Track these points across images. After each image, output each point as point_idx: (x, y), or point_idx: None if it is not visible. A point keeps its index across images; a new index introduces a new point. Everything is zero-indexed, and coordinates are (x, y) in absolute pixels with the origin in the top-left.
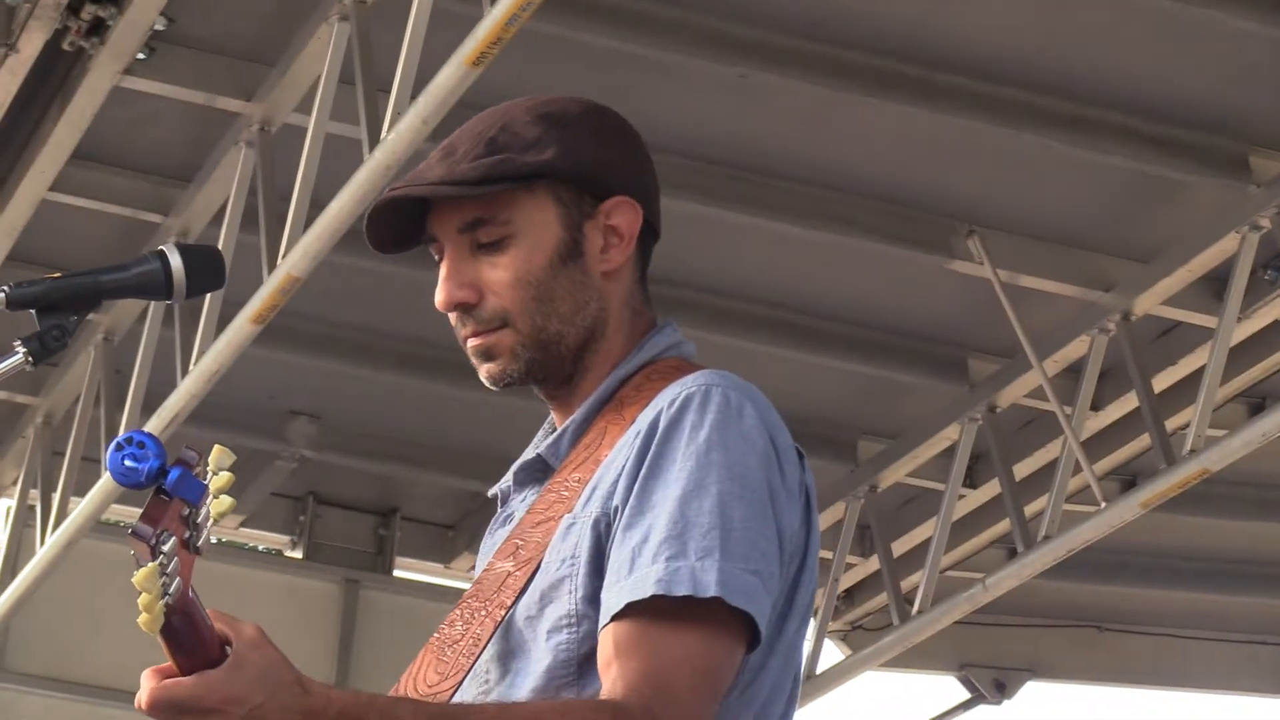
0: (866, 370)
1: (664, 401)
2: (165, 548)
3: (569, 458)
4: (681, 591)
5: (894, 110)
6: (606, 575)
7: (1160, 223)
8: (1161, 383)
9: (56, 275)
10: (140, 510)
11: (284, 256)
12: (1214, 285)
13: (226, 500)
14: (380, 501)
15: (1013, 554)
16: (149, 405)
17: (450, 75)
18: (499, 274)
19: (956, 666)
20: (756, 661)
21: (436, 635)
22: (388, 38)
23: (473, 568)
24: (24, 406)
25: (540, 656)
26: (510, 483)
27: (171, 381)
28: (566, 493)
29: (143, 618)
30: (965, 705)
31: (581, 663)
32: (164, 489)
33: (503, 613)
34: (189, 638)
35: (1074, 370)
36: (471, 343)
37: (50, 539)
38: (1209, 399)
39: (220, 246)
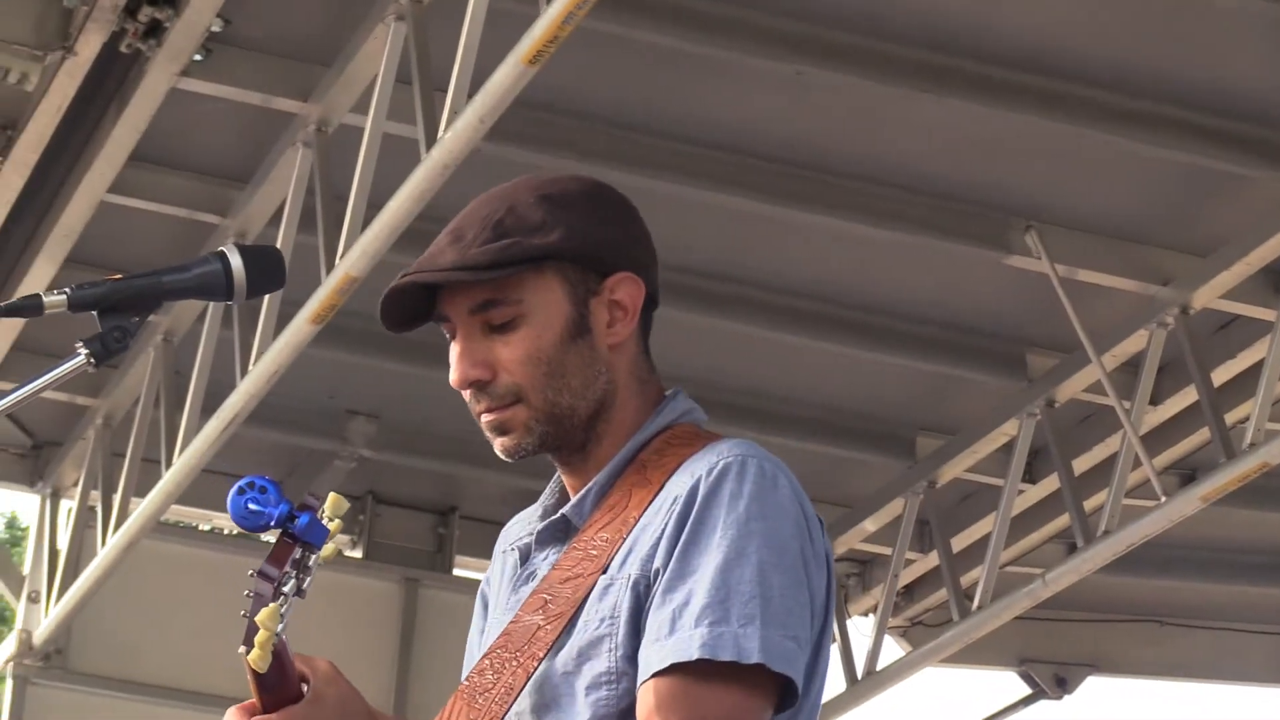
0: (924, 366)
1: (701, 469)
2: (286, 589)
3: (592, 518)
4: (726, 657)
5: (951, 106)
6: (646, 634)
7: (1218, 216)
8: (1220, 376)
9: (118, 277)
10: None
11: (342, 256)
12: (1273, 278)
13: (330, 547)
14: (439, 500)
15: (1072, 549)
16: (208, 406)
17: (507, 74)
18: (511, 352)
19: (1017, 662)
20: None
21: (466, 683)
22: (444, 37)
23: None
24: (84, 408)
25: (579, 711)
26: (530, 541)
27: (231, 382)
28: (595, 551)
29: (254, 654)
30: (1026, 701)
31: (619, 717)
32: (291, 533)
33: (535, 664)
34: (275, 675)
35: (1133, 364)
36: (486, 418)
37: (111, 540)
38: (1268, 392)
39: (278, 247)
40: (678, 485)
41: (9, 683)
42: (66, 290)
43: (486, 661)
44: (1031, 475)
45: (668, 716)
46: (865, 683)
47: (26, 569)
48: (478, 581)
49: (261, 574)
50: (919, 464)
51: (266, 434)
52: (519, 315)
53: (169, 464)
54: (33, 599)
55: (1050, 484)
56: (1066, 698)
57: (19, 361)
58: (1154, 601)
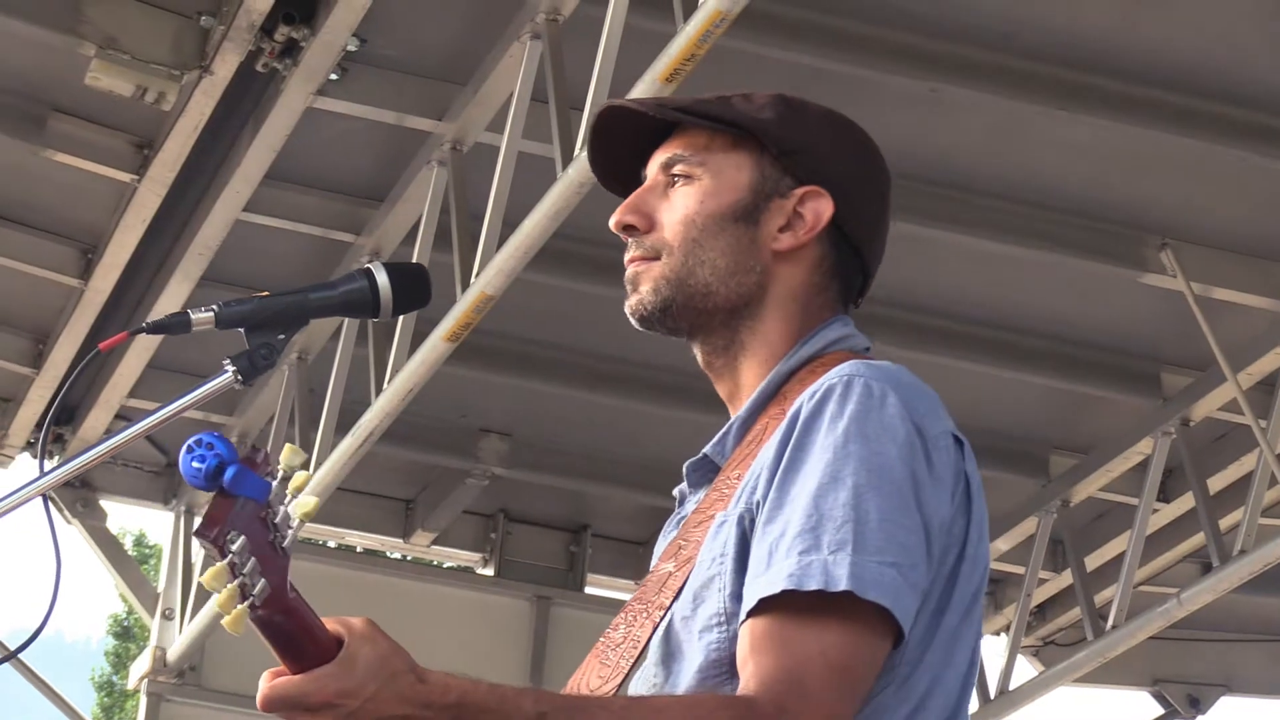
0: (1058, 384)
1: (806, 394)
2: (234, 547)
3: (733, 455)
4: (813, 586)
5: (1087, 123)
6: (748, 570)
7: None
8: None
9: (264, 294)
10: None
11: (477, 275)
12: None
13: (310, 500)
14: (571, 518)
15: (1207, 568)
16: (343, 424)
17: (644, 92)
18: (671, 208)
19: (1150, 682)
20: (912, 655)
21: (601, 640)
22: (580, 55)
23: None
24: (219, 426)
25: (694, 656)
26: (685, 486)
27: (365, 400)
28: (727, 490)
29: (226, 620)
30: None
31: (733, 661)
32: (223, 488)
33: (661, 614)
34: (299, 640)
35: (1268, 383)
36: (628, 270)
37: None
38: None
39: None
40: (790, 413)
41: (143, 700)
42: (214, 307)
43: (621, 616)
44: (1166, 494)
45: (760, 659)
46: (998, 702)
47: (160, 586)
48: (609, 599)
49: (197, 533)
50: (1052, 483)
51: (399, 452)
52: (694, 175)
53: None
54: (167, 616)
55: (1185, 503)
56: (1200, 718)
57: (153, 380)
58: None
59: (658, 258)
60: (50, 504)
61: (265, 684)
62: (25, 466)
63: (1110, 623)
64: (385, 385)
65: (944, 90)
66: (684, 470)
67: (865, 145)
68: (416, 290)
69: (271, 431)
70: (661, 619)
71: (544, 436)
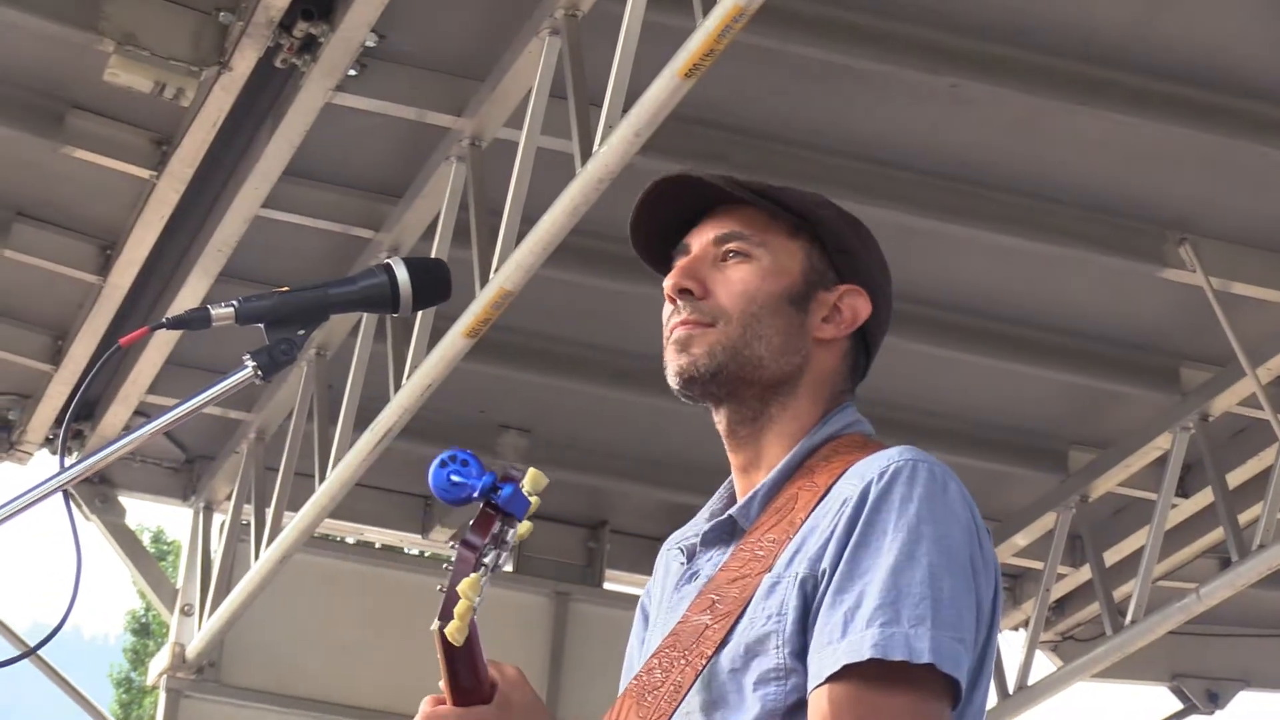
0: (1077, 380)
1: (872, 473)
2: (487, 560)
3: (759, 520)
4: (897, 657)
5: (1106, 118)
6: (816, 636)
7: None
8: None
9: (284, 290)
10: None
11: (496, 270)
12: None
13: (526, 524)
14: (590, 514)
15: (1226, 563)
16: (361, 420)
17: (662, 87)
18: (731, 280)
19: (1169, 677)
20: None
21: (635, 681)
22: (599, 51)
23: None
24: (237, 422)
25: (748, 707)
26: (696, 541)
27: (384, 396)
28: (762, 552)
29: (453, 625)
30: (1178, 716)
31: (785, 713)
32: (494, 504)
33: (703, 662)
34: (466, 664)
35: None
36: (678, 331)
37: (264, 554)
38: None
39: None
40: (846, 488)
41: (162, 696)
42: (234, 303)
43: (655, 661)
44: (1185, 489)
45: None
46: (1016, 697)
47: (179, 583)
48: (628, 595)
49: (465, 543)
50: (1071, 478)
51: (418, 448)
52: (754, 256)
53: (322, 478)
54: (186, 612)
55: (1204, 498)
56: (1218, 713)
57: (172, 376)
58: None
59: (713, 324)
60: (70, 500)
61: (427, 708)
62: (44, 463)
63: (1129, 618)
64: (404, 381)
65: (963, 86)
66: (700, 533)
67: (881, 253)
68: (436, 285)
69: (290, 427)
70: (704, 667)
71: (563, 432)
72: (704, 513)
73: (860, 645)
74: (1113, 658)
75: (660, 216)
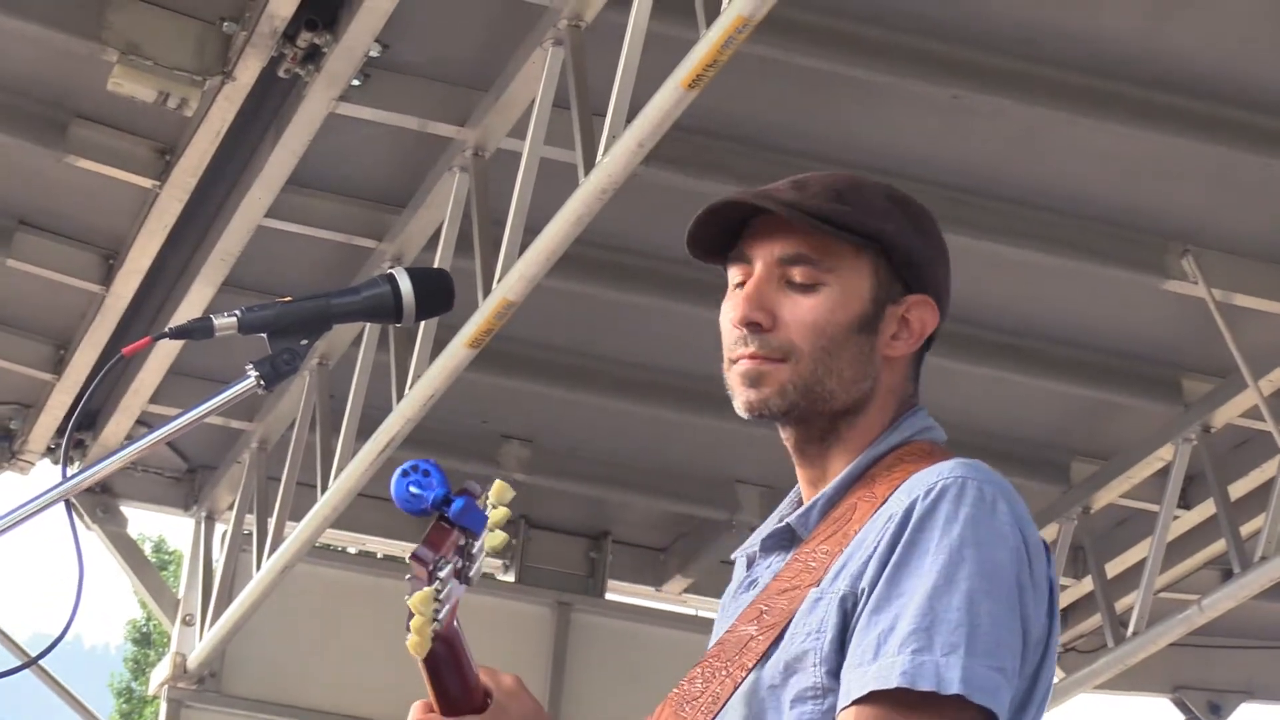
0: (1080, 391)
1: (919, 489)
2: (442, 574)
3: (817, 530)
4: (925, 686)
5: (1108, 130)
6: (849, 655)
7: None
8: None
9: (287, 299)
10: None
11: (499, 281)
12: None
13: (501, 535)
14: (592, 525)
15: (1228, 575)
16: (364, 430)
17: (666, 98)
18: (801, 312)
19: (1170, 689)
20: None
21: (676, 690)
22: (602, 61)
23: (685, 590)
24: (239, 432)
25: None
26: (756, 548)
27: (386, 406)
28: (814, 564)
29: (411, 639)
30: None
31: None
32: (447, 517)
33: (743, 674)
34: (451, 673)
35: None
36: (746, 365)
37: (266, 564)
38: None
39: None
40: (896, 503)
41: (163, 706)
42: (237, 313)
43: (698, 669)
44: (1187, 501)
45: None
46: None
47: (181, 592)
48: (630, 606)
49: (415, 557)
50: (1073, 489)
51: (420, 458)
52: (823, 284)
53: (324, 488)
54: (187, 622)
55: (1206, 509)
56: None
57: (174, 386)
58: None
59: (784, 360)
60: (72, 510)
61: (416, 715)
62: (46, 472)
63: (1131, 629)
64: (406, 391)
65: (966, 97)
66: (759, 539)
67: (943, 239)
68: (439, 295)
69: (292, 438)
70: (744, 680)
71: (565, 443)
72: (774, 516)
73: (890, 672)
74: (1114, 669)
75: (717, 218)
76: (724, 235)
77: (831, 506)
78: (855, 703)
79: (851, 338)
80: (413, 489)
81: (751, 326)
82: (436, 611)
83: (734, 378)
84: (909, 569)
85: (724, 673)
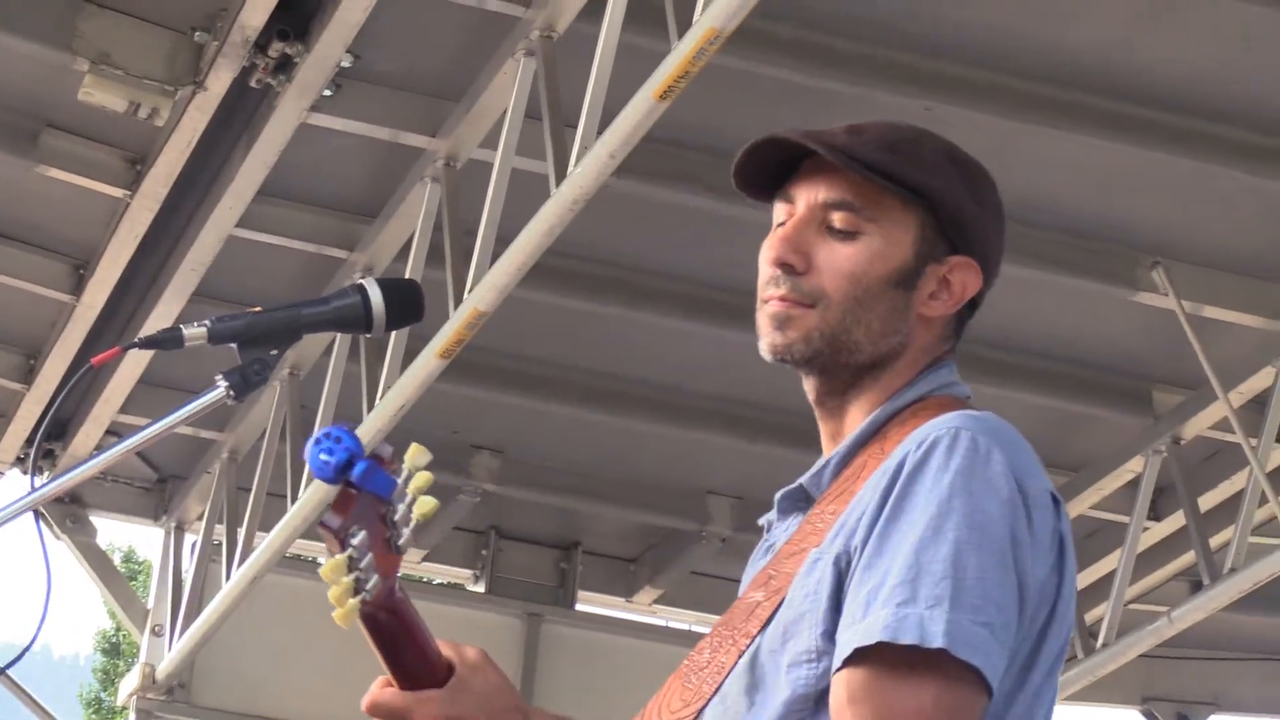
0: (1050, 402)
1: (912, 443)
2: (355, 541)
3: (829, 489)
4: (908, 640)
5: (1080, 142)
6: (843, 615)
7: None
8: None
9: (257, 310)
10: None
11: (470, 291)
12: None
13: (430, 501)
14: (562, 535)
15: (1198, 587)
16: None
17: (637, 109)
18: (837, 260)
19: (1139, 700)
20: (996, 710)
21: (686, 661)
22: (574, 72)
23: (656, 600)
24: (210, 442)
25: (780, 689)
26: (775, 512)
27: (357, 416)
28: (820, 525)
29: (336, 612)
30: None
31: (818, 698)
32: (351, 482)
33: (747, 642)
34: (404, 646)
35: (1259, 402)
36: (775, 306)
37: (236, 574)
38: None
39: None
40: (892, 458)
41: (133, 716)
42: (207, 323)
43: (707, 640)
44: (1157, 512)
45: (857, 710)
46: None
47: (150, 603)
48: (600, 616)
49: (322, 524)
50: None
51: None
52: (863, 231)
53: (294, 498)
54: (156, 633)
55: (1176, 521)
56: None
57: (144, 396)
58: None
59: (813, 305)
60: (40, 519)
61: (375, 689)
62: (15, 482)
63: (1100, 640)
64: (377, 402)
65: (938, 109)
66: (775, 499)
67: (1002, 209)
68: (409, 306)
69: (263, 448)
70: (748, 647)
71: (536, 453)
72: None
73: (873, 626)
74: (1084, 680)
75: (767, 154)
76: (775, 172)
77: (844, 465)
78: (845, 663)
79: (887, 291)
80: (323, 455)
81: (785, 268)
82: (361, 581)
83: (762, 319)
84: (898, 523)
85: (730, 641)
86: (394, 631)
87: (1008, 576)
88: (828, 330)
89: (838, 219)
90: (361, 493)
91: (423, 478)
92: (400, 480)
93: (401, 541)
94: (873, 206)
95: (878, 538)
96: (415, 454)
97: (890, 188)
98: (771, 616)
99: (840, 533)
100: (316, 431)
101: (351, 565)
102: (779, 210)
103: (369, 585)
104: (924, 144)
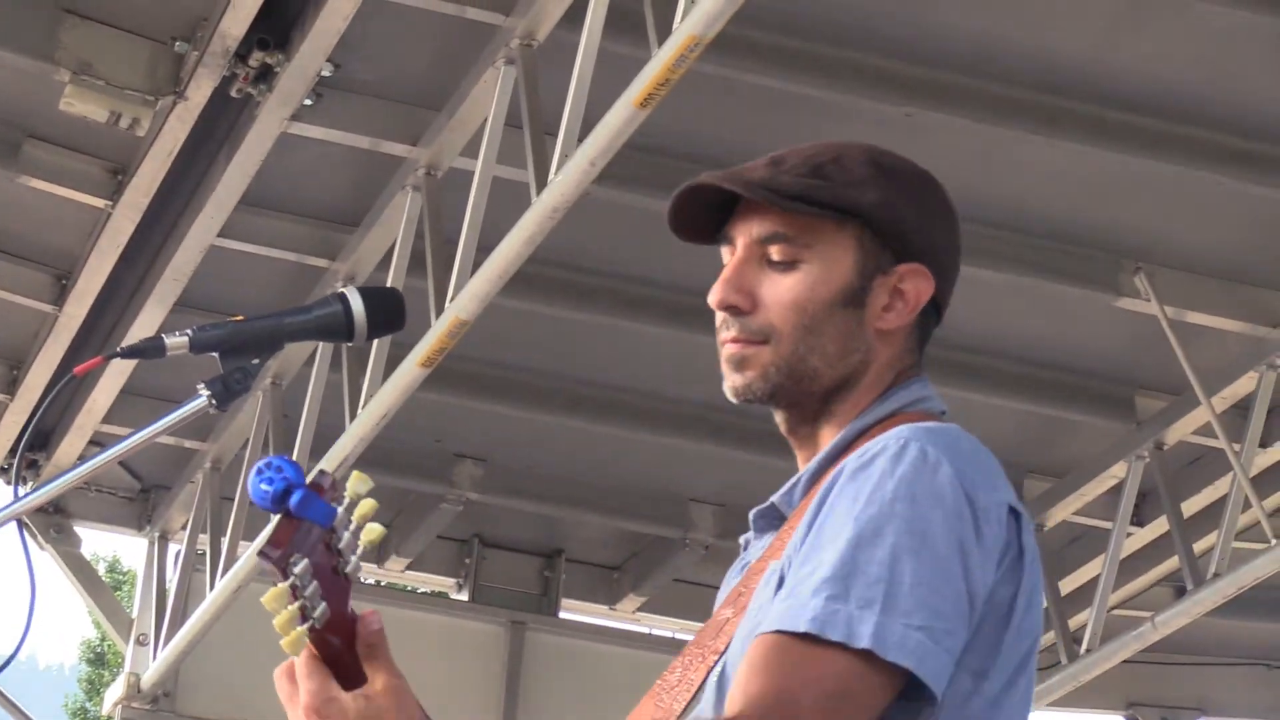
0: (1033, 408)
1: (857, 451)
2: (297, 569)
3: (799, 506)
4: (834, 637)
5: (1061, 147)
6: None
7: None
8: None
9: (239, 319)
10: None
11: (451, 300)
12: None
13: (377, 528)
14: (545, 543)
15: (1181, 592)
16: (317, 449)
17: (618, 117)
18: (779, 292)
19: (1124, 706)
20: (951, 716)
21: (659, 681)
22: (554, 80)
23: (639, 608)
24: (193, 451)
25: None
26: (751, 530)
27: (340, 425)
28: (784, 540)
29: (284, 640)
30: None
31: None
32: (289, 511)
33: (715, 658)
34: (355, 667)
35: (1242, 407)
36: (729, 349)
37: (219, 583)
38: None
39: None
40: (842, 463)
41: None
42: (189, 332)
43: (678, 660)
44: (1140, 518)
45: (754, 677)
46: None
47: (135, 612)
48: (584, 624)
49: (261, 554)
50: (1027, 506)
51: (374, 477)
52: (801, 260)
53: None
54: (140, 642)
55: (1159, 526)
56: None
57: (127, 405)
58: (1263, 645)
59: (765, 341)
60: (24, 529)
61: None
62: None
63: (1084, 646)
64: (359, 411)
65: (919, 115)
66: (750, 517)
67: (949, 206)
68: (391, 314)
69: (245, 457)
70: (715, 663)
71: (518, 462)
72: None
73: (801, 612)
74: (1068, 686)
75: (698, 198)
76: (714, 216)
77: (814, 482)
78: (759, 635)
79: (835, 313)
80: (262, 485)
81: (730, 309)
82: (308, 609)
83: (723, 365)
84: (834, 521)
85: (699, 659)
86: (347, 656)
87: (949, 585)
88: (783, 363)
89: (775, 251)
90: (301, 521)
91: (367, 504)
92: (342, 508)
93: (349, 569)
94: (806, 234)
95: (816, 532)
96: (356, 481)
97: (816, 212)
98: (737, 632)
99: (794, 543)
100: (259, 461)
101: (296, 593)
102: (723, 253)
103: (315, 613)
104: (848, 160)
